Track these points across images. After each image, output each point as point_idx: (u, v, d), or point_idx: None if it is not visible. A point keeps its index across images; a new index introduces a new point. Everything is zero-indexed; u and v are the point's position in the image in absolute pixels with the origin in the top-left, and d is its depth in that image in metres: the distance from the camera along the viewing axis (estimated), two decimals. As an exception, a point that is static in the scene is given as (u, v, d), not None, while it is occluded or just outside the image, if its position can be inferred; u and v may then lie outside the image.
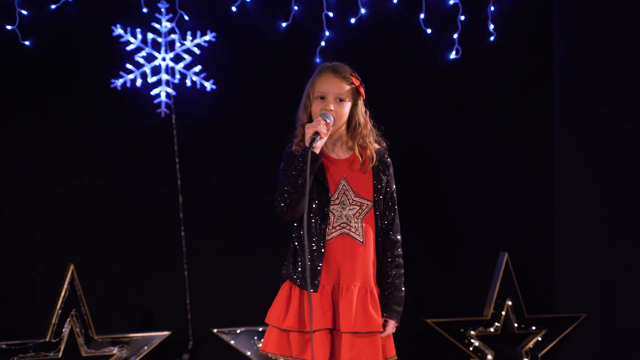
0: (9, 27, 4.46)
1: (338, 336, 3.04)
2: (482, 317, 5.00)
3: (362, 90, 3.15)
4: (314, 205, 3.05)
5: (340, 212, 3.07)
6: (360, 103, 3.16)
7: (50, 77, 4.57)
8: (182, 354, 4.73)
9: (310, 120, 3.10)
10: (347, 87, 3.10)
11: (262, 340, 3.12)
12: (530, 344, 5.05)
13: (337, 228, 3.06)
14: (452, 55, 5.12)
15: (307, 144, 2.95)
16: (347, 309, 3.02)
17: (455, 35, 5.09)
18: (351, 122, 3.13)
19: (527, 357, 5.04)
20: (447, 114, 5.18)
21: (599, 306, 5.09)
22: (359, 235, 3.07)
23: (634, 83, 4.92)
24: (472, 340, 4.95)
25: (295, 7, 4.85)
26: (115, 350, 4.46)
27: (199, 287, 4.77)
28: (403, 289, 3.18)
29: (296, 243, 3.08)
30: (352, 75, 3.12)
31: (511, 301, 5.00)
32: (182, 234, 4.75)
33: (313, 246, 3.03)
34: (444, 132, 5.19)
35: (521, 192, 5.33)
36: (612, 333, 5.03)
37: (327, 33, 4.90)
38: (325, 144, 3.09)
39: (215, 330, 4.60)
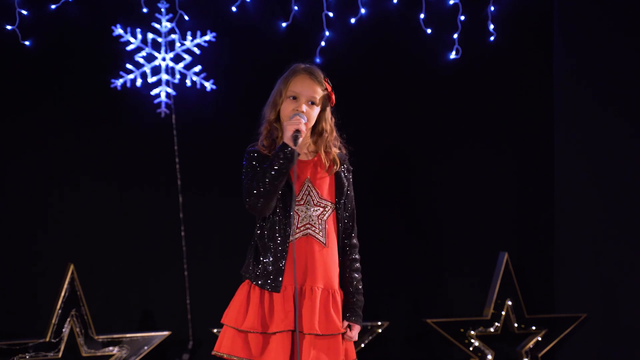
0: (9, 27, 4.46)
1: (300, 338, 3.01)
2: (482, 317, 5.00)
3: (333, 96, 3.15)
4: (280, 205, 3.04)
5: (305, 212, 3.06)
6: (329, 110, 3.16)
7: (50, 77, 4.57)
8: (182, 354, 4.73)
9: (278, 118, 3.09)
10: (321, 92, 3.10)
11: (217, 340, 3.07)
12: (530, 344, 5.05)
13: (302, 229, 3.05)
14: (452, 55, 5.12)
15: (287, 141, 2.95)
16: (310, 311, 3.00)
17: (455, 35, 5.09)
18: (317, 126, 3.14)
19: (527, 357, 5.04)
20: (447, 114, 5.18)
21: (599, 306, 5.09)
22: (322, 236, 3.07)
23: (634, 83, 4.92)
24: (472, 340, 4.95)
25: (295, 7, 4.85)
26: (115, 350, 4.46)
27: (199, 287, 4.77)
28: (362, 292, 3.17)
29: (257, 242, 3.07)
30: (326, 81, 3.12)
31: (511, 301, 5.00)
32: (182, 234, 4.75)
33: (277, 246, 3.02)
34: (444, 132, 5.19)
35: (521, 192, 5.33)
36: (612, 333, 5.03)
37: (327, 33, 4.90)
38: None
39: (215, 330, 4.60)
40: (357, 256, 3.17)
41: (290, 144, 2.95)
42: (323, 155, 3.11)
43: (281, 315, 2.98)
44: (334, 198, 3.11)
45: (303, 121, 3.00)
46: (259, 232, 3.07)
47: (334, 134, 3.17)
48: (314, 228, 3.06)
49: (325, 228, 3.07)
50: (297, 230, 3.05)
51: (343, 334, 3.08)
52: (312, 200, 3.07)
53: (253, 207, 3.00)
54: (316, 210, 3.07)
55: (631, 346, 4.93)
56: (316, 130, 3.14)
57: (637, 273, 4.90)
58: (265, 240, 3.04)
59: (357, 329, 3.11)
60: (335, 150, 3.16)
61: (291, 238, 3.03)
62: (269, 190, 2.95)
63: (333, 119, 3.18)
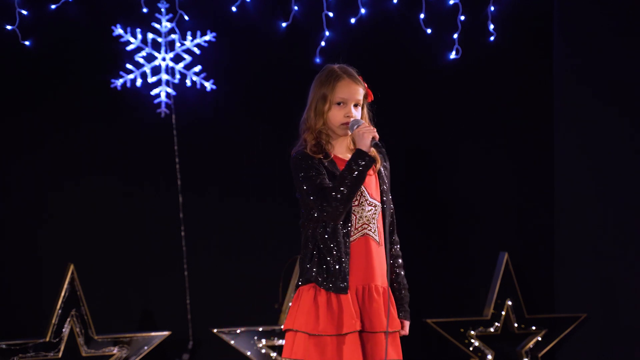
0: (9, 27, 4.46)
1: (366, 337, 3.03)
2: (482, 317, 5.00)
3: (370, 92, 3.17)
4: None
5: (361, 213, 3.07)
6: (366, 106, 3.17)
7: (50, 77, 4.57)
8: (182, 354, 4.73)
9: (325, 125, 3.08)
10: (363, 93, 3.12)
11: (284, 346, 3.03)
12: (530, 344, 5.05)
13: (359, 229, 3.07)
14: (452, 55, 5.12)
15: (365, 148, 2.95)
16: (377, 310, 3.02)
17: (455, 35, 5.09)
18: None
19: (527, 357, 5.04)
20: (447, 114, 5.18)
21: (599, 306, 5.09)
22: (376, 235, 3.09)
23: (634, 83, 4.92)
24: (472, 340, 4.95)
25: (295, 7, 4.85)
26: (115, 350, 4.46)
27: (199, 287, 4.77)
28: (408, 287, 3.23)
29: (319, 245, 3.04)
30: (360, 78, 3.14)
31: (511, 301, 5.00)
32: (182, 234, 4.75)
33: (340, 248, 3.02)
34: (444, 132, 5.19)
35: (521, 192, 5.33)
36: (612, 333, 5.03)
37: (327, 33, 4.90)
38: (336, 147, 3.10)
39: (215, 330, 4.60)
40: (399, 251, 3.21)
41: (369, 151, 2.96)
42: (379, 158, 3.11)
43: (351, 316, 2.98)
44: (379, 196, 3.12)
45: (371, 126, 3.03)
46: (320, 236, 3.04)
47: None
48: (369, 227, 3.07)
49: (377, 227, 3.09)
50: (356, 231, 3.06)
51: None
52: (366, 200, 3.08)
53: (333, 215, 2.97)
54: (369, 210, 3.08)
55: (631, 346, 4.93)
56: None
57: (637, 273, 4.90)
58: (328, 243, 3.02)
59: (407, 324, 3.17)
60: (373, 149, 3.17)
61: (351, 238, 3.04)
62: (349, 197, 2.95)
63: (369, 114, 3.19)
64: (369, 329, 3.02)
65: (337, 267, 3.01)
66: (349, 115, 3.06)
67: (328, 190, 2.96)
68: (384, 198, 3.14)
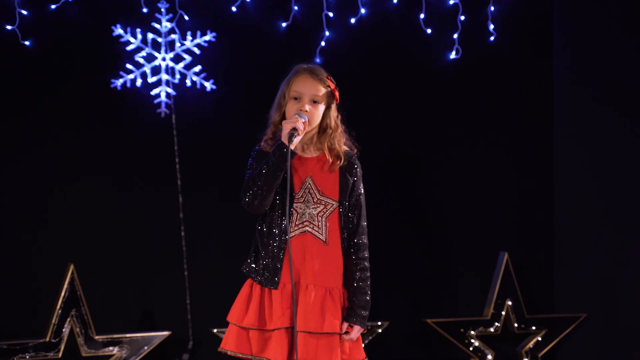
0: (9, 27, 4.46)
1: (295, 335, 3.03)
2: (482, 317, 5.00)
3: (336, 94, 3.15)
4: (277, 202, 3.06)
5: (304, 210, 3.07)
6: (334, 107, 3.17)
7: (51, 77, 4.57)
8: (182, 354, 4.73)
9: (283, 119, 3.11)
10: (323, 90, 3.11)
11: (223, 338, 3.11)
12: (530, 344, 5.05)
13: (300, 226, 3.06)
14: (452, 55, 5.12)
15: (284, 140, 2.97)
16: (304, 308, 3.02)
17: (455, 35, 5.09)
18: (322, 124, 3.14)
19: (527, 357, 5.04)
20: (447, 114, 5.18)
21: (599, 306, 5.09)
22: (321, 234, 3.07)
23: (634, 83, 4.92)
24: (472, 340, 4.95)
25: (295, 7, 4.85)
26: (115, 350, 4.46)
27: (199, 287, 4.77)
28: (369, 292, 3.14)
29: (257, 239, 3.09)
30: (328, 79, 3.13)
31: (511, 301, 5.00)
32: (182, 234, 4.75)
33: (275, 243, 3.04)
34: (444, 132, 5.19)
35: (521, 192, 5.33)
36: (612, 333, 5.03)
37: (327, 33, 4.90)
38: (299, 144, 3.11)
39: (215, 330, 4.60)
40: (363, 255, 3.14)
41: (285, 141, 2.96)
42: (327, 152, 3.11)
43: (279, 312, 3.00)
44: (336, 195, 3.10)
45: (302, 120, 3.00)
46: (258, 229, 3.10)
47: (339, 130, 3.17)
48: (312, 225, 3.06)
49: (326, 226, 3.07)
50: (295, 228, 3.06)
51: (341, 334, 3.07)
52: (312, 198, 3.07)
53: (248, 205, 3.04)
54: (316, 208, 3.07)
55: (631, 346, 4.93)
56: (322, 128, 3.15)
57: (637, 273, 4.90)
58: (264, 238, 3.06)
59: (356, 329, 3.09)
60: (344, 148, 3.16)
61: (290, 235, 3.03)
62: (262, 188, 2.98)
63: (339, 117, 3.19)
64: (296, 327, 3.02)
65: (269, 262, 3.03)
66: (302, 109, 3.06)
67: (247, 181, 3.01)
68: (344, 198, 3.12)
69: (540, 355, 5.07)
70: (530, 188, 5.34)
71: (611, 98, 5.05)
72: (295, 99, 3.09)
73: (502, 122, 5.28)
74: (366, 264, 3.15)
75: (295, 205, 3.05)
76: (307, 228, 3.06)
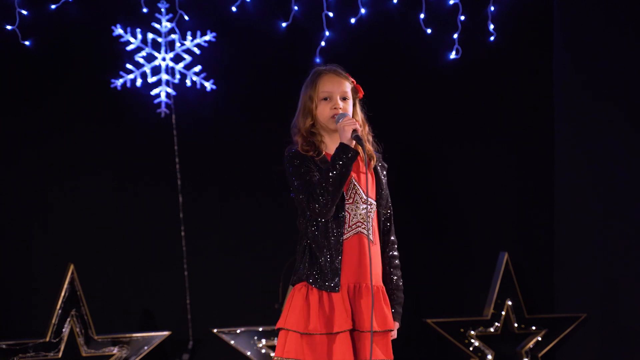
0: (9, 27, 4.46)
1: (357, 336, 3.02)
2: (482, 317, 5.00)
3: (359, 87, 3.16)
4: None
5: (355, 211, 3.06)
6: (358, 103, 3.17)
7: (50, 77, 4.57)
8: (182, 354, 4.73)
9: (315, 123, 3.08)
10: (350, 86, 3.12)
11: (277, 345, 3.02)
12: (530, 344, 5.05)
13: (353, 227, 3.05)
14: (452, 55, 5.12)
15: (346, 142, 2.93)
16: (368, 309, 3.00)
17: (455, 35, 5.09)
18: None
19: (527, 357, 5.04)
20: (447, 113, 5.18)
21: (599, 306, 5.09)
22: (370, 234, 3.07)
23: (634, 83, 4.93)
24: (472, 340, 4.95)
25: (295, 7, 4.85)
26: (115, 350, 4.46)
27: (199, 287, 4.77)
28: (403, 289, 3.19)
29: (311, 243, 3.04)
30: (348, 75, 3.14)
31: (511, 301, 5.00)
32: (182, 234, 4.75)
33: (332, 246, 3.01)
34: (444, 132, 5.19)
35: (521, 192, 5.33)
36: (612, 333, 5.03)
37: (327, 33, 4.90)
38: (329, 144, 3.10)
39: (215, 330, 4.60)
40: (396, 253, 3.19)
41: (351, 144, 2.94)
42: (360, 151, 3.11)
43: (342, 314, 2.97)
44: (375, 195, 3.11)
45: (353, 119, 3.00)
46: (311, 234, 3.04)
47: (367, 127, 3.17)
48: (363, 226, 3.06)
49: (372, 225, 3.08)
50: (349, 229, 3.05)
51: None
52: (360, 198, 3.06)
53: (322, 213, 2.96)
54: (364, 208, 3.07)
55: (631, 346, 4.93)
56: None
57: (637, 273, 4.91)
58: (320, 241, 3.02)
59: (396, 326, 3.13)
60: (370, 147, 3.16)
61: (344, 237, 3.03)
62: (334, 192, 2.93)
63: (363, 112, 3.19)
64: (359, 328, 3.01)
65: (328, 265, 3.00)
66: (336, 107, 3.05)
67: (314, 187, 2.95)
68: (380, 197, 3.13)
69: (540, 355, 5.07)
70: (530, 188, 5.34)
71: (611, 98, 5.05)
72: (325, 99, 3.08)
73: (502, 122, 5.28)
74: (398, 261, 3.20)
75: (346, 206, 3.04)
76: (359, 229, 3.05)
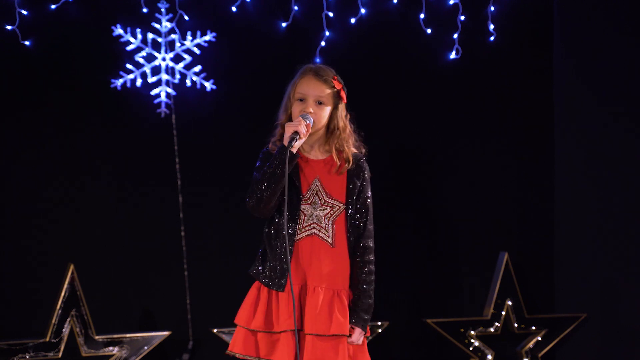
0: (9, 27, 4.46)
1: (303, 337, 3.03)
2: (482, 317, 5.00)
3: (343, 94, 3.15)
4: (284, 204, 3.05)
5: (311, 212, 3.06)
6: (341, 107, 3.16)
7: (50, 77, 4.57)
8: (182, 354, 4.73)
9: (290, 121, 3.10)
10: (328, 91, 3.10)
11: (231, 340, 3.11)
12: (530, 344, 5.05)
13: (307, 228, 3.06)
14: (452, 55, 5.12)
15: (285, 143, 2.97)
16: (311, 311, 3.01)
17: (455, 35, 5.09)
18: (330, 125, 3.14)
19: (527, 357, 5.04)
20: (447, 113, 5.18)
21: (599, 306, 5.09)
22: (328, 236, 3.07)
23: (634, 83, 4.92)
24: (472, 340, 4.95)
25: (295, 7, 4.85)
26: (115, 350, 4.46)
27: (199, 287, 4.77)
28: (372, 296, 3.14)
29: (265, 241, 3.09)
30: (334, 79, 3.12)
31: (511, 301, 5.00)
32: (182, 234, 4.75)
33: (281, 246, 3.03)
34: (443, 132, 5.19)
35: (521, 192, 5.33)
36: (612, 333, 5.03)
37: (327, 33, 4.90)
38: (303, 144, 3.10)
39: (215, 330, 4.60)
40: (368, 258, 3.14)
41: (287, 145, 2.96)
42: (335, 154, 3.10)
43: (285, 314, 2.99)
44: (344, 197, 3.10)
45: (305, 122, 3.00)
46: (266, 231, 3.10)
47: (348, 131, 3.17)
48: (320, 228, 3.06)
49: (332, 228, 3.07)
50: (303, 230, 3.05)
51: (348, 336, 3.07)
52: (320, 200, 3.07)
53: (253, 209, 3.04)
54: (323, 210, 3.06)
55: (631, 346, 4.93)
56: (330, 129, 3.14)
57: (637, 273, 4.90)
58: (272, 241, 3.05)
59: (357, 331, 3.10)
60: (352, 150, 3.16)
61: (297, 237, 3.03)
62: (266, 191, 2.97)
63: (348, 116, 3.18)
64: (304, 329, 3.02)
65: (276, 264, 3.03)
66: (306, 110, 3.06)
67: (252, 185, 3.01)
68: (351, 200, 3.12)
69: (540, 355, 5.07)
70: (530, 188, 5.34)
71: (611, 98, 5.05)
72: (300, 100, 3.09)
73: (502, 122, 5.28)
74: (372, 267, 3.15)
75: (302, 207, 3.05)
76: (314, 230, 3.05)
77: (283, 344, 2.99)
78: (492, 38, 5.17)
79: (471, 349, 4.95)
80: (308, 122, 3.02)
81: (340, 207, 3.09)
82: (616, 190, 5.03)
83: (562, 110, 5.32)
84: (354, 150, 3.17)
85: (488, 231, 5.25)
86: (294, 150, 2.98)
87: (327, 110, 3.10)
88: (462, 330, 4.94)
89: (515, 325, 5.01)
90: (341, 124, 3.14)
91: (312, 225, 3.06)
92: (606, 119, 5.07)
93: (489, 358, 4.96)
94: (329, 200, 3.07)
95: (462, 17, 5.09)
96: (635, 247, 4.91)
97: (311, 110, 3.06)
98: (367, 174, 3.18)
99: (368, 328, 3.16)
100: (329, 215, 3.07)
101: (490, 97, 5.25)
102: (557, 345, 5.17)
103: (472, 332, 4.95)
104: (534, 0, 5.28)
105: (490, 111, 5.25)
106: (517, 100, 5.30)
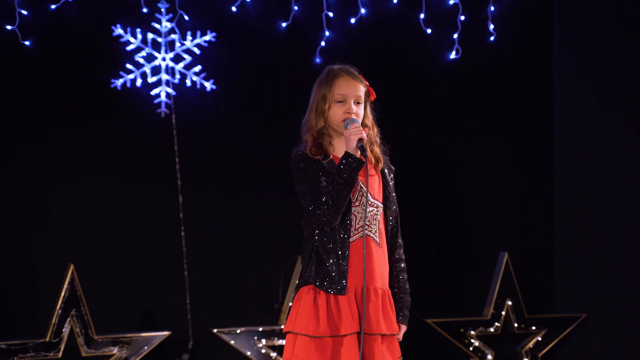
0: (9, 27, 4.46)
1: (365, 339, 3.02)
2: (482, 317, 5.00)
3: (372, 91, 3.16)
4: None
5: (361, 214, 3.05)
6: (368, 105, 3.16)
7: (50, 77, 4.57)
8: (182, 354, 4.73)
9: (326, 124, 3.07)
10: (363, 90, 3.11)
11: (285, 348, 3.01)
12: (530, 344, 5.05)
13: (359, 230, 3.05)
14: (452, 55, 5.12)
15: (352, 151, 2.91)
16: (375, 312, 3.01)
17: (455, 35, 5.09)
18: (362, 124, 3.12)
19: (527, 357, 5.04)
20: (446, 114, 5.18)
21: (599, 306, 5.09)
22: (377, 236, 3.07)
23: (634, 82, 4.92)
24: (472, 340, 4.95)
25: (295, 7, 4.85)
26: (115, 350, 4.46)
27: (199, 287, 4.77)
28: (409, 292, 3.20)
29: (318, 246, 3.03)
30: (361, 76, 3.14)
31: (511, 301, 5.00)
32: (182, 234, 4.75)
33: (339, 249, 3.00)
34: (443, 132, 5.19)
35: (521, 192, 5.33)
36: (612, 333, 5.03)
37: (327, 33, 4.90)
38: (337, 147, 3.09)
39: (215, 330, 4.60)
40: (402, 255, 3.19)
41: (357, 154, 2.92)
42: (369, 153, 3.10)
43: (349, 317, 2.97)
44: (381, 197, 3.11)
45: (361, 127, 2.98)
46: (318, 237, 3.03)
47: (375, 129, 3.17)
48: (369, 228, 3.06)
49: (378, 228, 3.08)
50: (355, 232, 3.04)
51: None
52: (367, 201, 3.06)
53: (326, 220, 2.96)
54: (371, 211, 3.06)
55: (631, 346, 4.93)
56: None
57: (637, 273, 4.90)
58: (326, 244, 3.01)
59: (403, 329, 3.15)
60: (377, 149, 3.16)
61: (351, 239, 3.02)
62: (339, 201, 2.93)
63: (373, 114, 3.18)
64: (365, 331, 3.00)
65: (335, 268, 3.00)
66: (349, 111, 3.05)
67: (320, 195, 2.94)
68: (387, 199, 3.13)
69: (540, 355, 5.07)
70: (530, 188, 5.34)
71: (611, 98, 5.05)
72: (340, 102, 3.07)
73: (502, 122, 5.28)
74: (404, 264, 3.21)
75: (352, 209, 3.04)
76: (365, 231, 3.05)
77: (348, 346, 2.96)
78: (492, 38, 5.17)
79: (471, 349, 4.95)
80: (359, 125, 3.00)
81: (380, 207, 3.10)
82: (616, 190, 5.03)
83: (562, 111, 5.32)
84: (377, 150, 3.17)
85: (488, 231, 5.25)
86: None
87: (363, 109, 3.10)
88: (462, 330, 4.94)
89: (515, 325, 5.01)
90: (369, 122, 3.14)
91: (364, 226, 3.06)
92: (606, 118, 5.07)
93: (489, 358, 4.96)
94: (373, 201, 3.08)
95: (462, 17, 5.09)
96: (635, 247, 4.92)
97: (354, 110, 3.05)
98: (392, 173, 3.21)
99: None
100: (374, 215, 3.07)
101: (490, 97, 5.25)
102: (557, 345, 5.17)
103: (472, 332, 4.95)
104: (534, 0, 5.28)
105: (490, 111, 5.25)
106: (517, 100, 5.30)
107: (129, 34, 4.60)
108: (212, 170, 4.82)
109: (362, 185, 3.06)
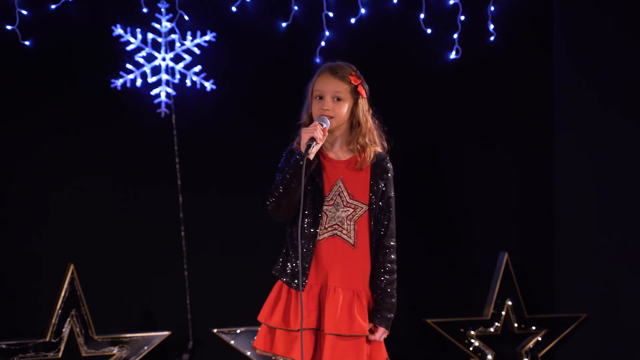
0: (9, 27, 4.46)
1: (322, 337, 3.04)
2: (482, 317, 5.00)
3: (361, 89, 3.14)
4: (310, 205, 3.07)
5: (334, 213, 3.07)
6: (362, 102, 3.15)
7: (51, 77, 4.57)
8: (182, 354, 4.73)
9: (311, 120, 3.10)
10: (345, 87, 3.10)
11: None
12: (530, 344, 5.05)
13: (329, 229, 3.07)
14: (452, 55, 5.12)
15: (302, 149, 2.96)
16: (332, 311, 3.03)
17: (455, 35, 5.09)
18: (352, 121, 3.14)
19: (527, 357, 5.04)
20: (446, 114, 5.18)
21: (599, 306, 5.09)
22: (350, 237, 3.08)
23: (634, 83, 4.92)
24: (472, 340, 4.95)
25: (295, 7, 4.85)
26: (115, 350, 4.46)
27: (199, 287, 4.77)
28: (395, 295, 3.18)
29: (288, 242, 3.11)
30: (352, 75, 3.12)
31: (511, 301, 5.00)
32: (182, 234, 4.75)
33: (303, 246, 3.04)
34: (443, 132, 5.19)
35: (521, 192, 5.33)
36: (612, 333, 5.03)
37: (327, 33, 4.90)
38: (325, 143, 3.10)
39: (215, 330, 4.60)
40: (390, 257, 3.17)
41: (303, 150, 2.96)
42: (357, 152, 3.11)
43: (304, 313, 3.01)
44: (367, 199, 3.11)
45: (322, 127, 3.00)
46: (288, 232, 3.10)
47: (369, 125, 3.16)
48: (341, 229, 3.07)
49: (354, 229, 3.08)
50: (324, 231, 3.06)
51: (367, 336, 3.09)
52: (342, 202, 3.07)
53: (272, 213, 3.05)
54: (345, 211, 3.07)
55: (631, 346, 4.93)
56: (352, 125, 3.14)
57: (637, 273, 4.90)
58: (294, 240, 3.05)
59: (381, 330, 3.13)
60: (375, 149, 3.16)
61: (319, 237, 3.04)
62: (285, 196, 2.97)
63: (371, 111, 3.18)
64: (322, 329, 3.04)
65: (297, 264, 3.04)
66: (324, 108, 3.06)
67: (272, 188, 3.03)
68: (373, 200, 3.12)
69: (540, 355, 5.07)
70: (530, 188, 5.34)
71: (612, 98, 5.05)
72: (319, 98, 3.09)
73: (502, 122, 5.28)
74: (394, 266, 3.18)
75: (325, 208, 3.06)
76: (336, 232, 3.07)
77: (301, 341, 2.99)
78: (492, 38, 5.17)
79: (471, 349, 4.95)
80: (325, 125, 3.01)
81: (363, 208, 3.10)
82: (616, 190, 5.03)
83: (562, 111, 5.32)
84: (378, 150, 3.17)
85: (488, 231, 5.25)
86: (311, 157, 2.97)
87: (346, 106, 3.10)
88: (462, 330, 4.94)
89: (515, 325, 5.01)
90: (362, 118, 3.13)
91: (334, 226, 3.07)
92: (606, 118, 5.06)
93: (489, 358, 4.96)
94: (351, 201, 3.08)
95: (462, 17, 5.09)
96: (635, 247, 4.91)
97: (328, 107, 3.05)
98: (390, 174, 3.19)
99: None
100: (350, 216, 3.08)
101: (490, 97, 5.25)
102: (557, 345, 5.17)
103: (472, 332, 4.95)
104: (534, 0, 5.28)
105: (490, 111, 5.25)
106: (517, 100, 5.30)
107: (129, 34, 4.60)
108: (212, 170, 4.82)
109: (341, 184, 3.08)
